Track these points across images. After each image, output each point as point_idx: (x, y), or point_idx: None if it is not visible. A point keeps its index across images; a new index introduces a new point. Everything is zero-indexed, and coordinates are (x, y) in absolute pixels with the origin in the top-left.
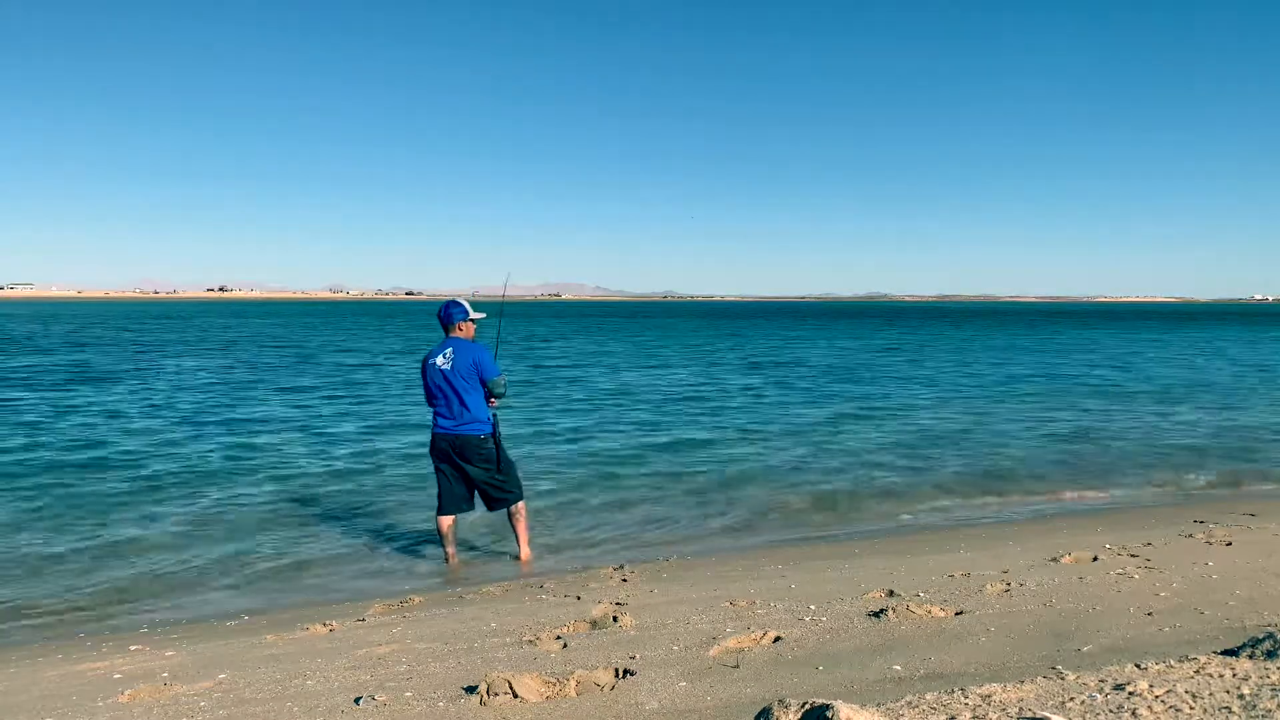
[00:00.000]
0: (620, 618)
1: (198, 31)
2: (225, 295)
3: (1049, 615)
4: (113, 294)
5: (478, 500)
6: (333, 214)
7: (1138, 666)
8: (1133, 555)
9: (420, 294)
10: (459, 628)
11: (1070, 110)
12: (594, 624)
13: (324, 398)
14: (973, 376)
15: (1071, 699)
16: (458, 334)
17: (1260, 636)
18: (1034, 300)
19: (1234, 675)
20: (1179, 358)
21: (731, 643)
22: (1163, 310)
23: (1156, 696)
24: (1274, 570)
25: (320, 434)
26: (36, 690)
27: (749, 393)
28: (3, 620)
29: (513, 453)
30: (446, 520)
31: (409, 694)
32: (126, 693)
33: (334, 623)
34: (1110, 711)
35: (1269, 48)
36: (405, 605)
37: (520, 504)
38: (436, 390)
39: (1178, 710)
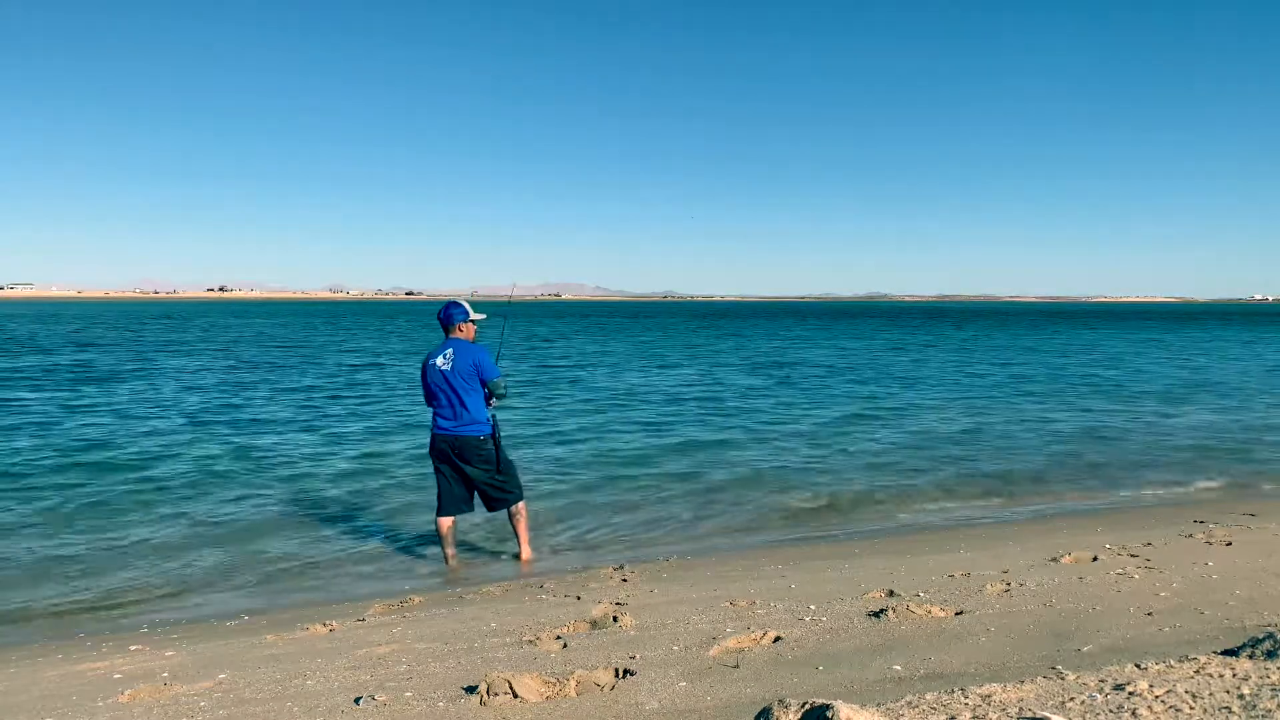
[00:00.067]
0: (620, 618)
1: (198, 31)
2: (225, 295)
3: (1049, 615)
4: (113, 294)
5: (478, 501)
6: (333, 214)
7: (1138, 666)
8: (1133, 555)
9: (420, 294)
10: (459, 628)
11: (1070, 110)
12: (594, 624)
13: (328, 398)
14: (975, 376)
15: (1071, 699)
16: (458, 335)
17: (1260, 636)
18: (1034, 300)
19: (1234, 675)
20: (1180, 357)
21: (731, 643)
22: (1163, 310)
23: (1156, 696)
24: (1274, 570)
25: (323, 434)
26: (36, 690)
27: (752, 393)
28: (3, 620)
29: (516, 453)
30: (446, 521)
31: (409, 694)
32: (126, 693)
33: (334, 623)
34: (1110, 711)
35: (1269, 48)
36: (405, 605)
37: (520, 504)
38: (436, 391)
39: (1178, 710)
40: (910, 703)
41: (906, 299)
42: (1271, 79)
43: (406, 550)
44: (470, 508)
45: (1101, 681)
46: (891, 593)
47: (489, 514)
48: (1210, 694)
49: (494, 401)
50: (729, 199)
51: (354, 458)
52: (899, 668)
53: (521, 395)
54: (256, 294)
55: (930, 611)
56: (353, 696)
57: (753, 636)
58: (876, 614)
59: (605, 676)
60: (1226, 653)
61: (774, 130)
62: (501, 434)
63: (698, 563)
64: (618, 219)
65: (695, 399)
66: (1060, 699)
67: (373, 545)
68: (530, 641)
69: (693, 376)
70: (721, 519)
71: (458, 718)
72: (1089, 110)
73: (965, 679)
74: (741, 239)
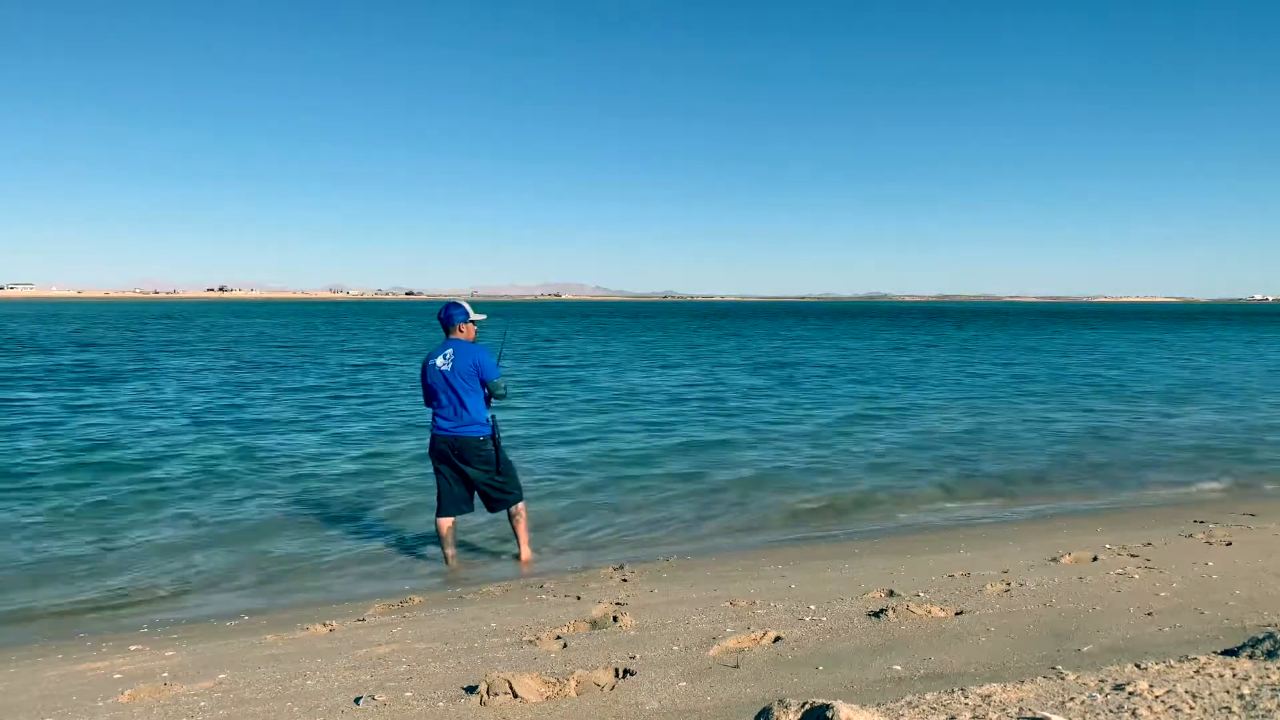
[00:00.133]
0: (620, 618)
1: (198, 31)
2: (225, 295)
3: (1049, 615)
4: (113, 294)
5: (478, 502)
6: (333, 214)
7: (1138, 666)
8: (1133, 555)
9: (420, 294)
10: (459, 628)
11: (1070, 110)
12: (594, 624)
13: (330, 398)
14: (977, 376)
15: (1071, 699)
16: (458, 335)
17: (1260, 636)
18: (1034, 300)
19: (1234, 675)
20: (1182, 358)
21: (731, 643)
22: (1163, 310)
23: (1156, 696)
24: (1274, 570)
25: (326, 434)
26: (36, 690)
27: (754, 393)
28: (4, 621)
29: (519, 453)
30: (446, 522)
31: (409, 694)
32: (126, 693)
33: (334, 623)
34: (1110, 711)
35: (1269, 48)
36: (405, 605)
37: (520, 505)
38: (436, 391)
39: (1178, 710)
40: (910, 703)
41: (906, 299)
42: (1271, 79)
43: (407, 550)
44: (470, 508)
45: (1101, 681)
46: (891, 593)
47: (489, 515)
48: (1210, 694)
49: (494, 402)
50: (729, 199)
51: (356, 458)
52: (899, 668)
53: (524, 395)
54: (256, 294)
55: (930, 611)
56: (353, 696)
57: (753, 636)
58: (876, 614)
59: (605, 676)
60: (1226, 653)
61: (774, 130)
62: (501, 435)
63: (698, 563)
64: (618, 219)
65: (698, 399)
66: (1060, 699)
67: (373, 545)
68: (530, 641)
69: (695, 376)
70: (724, 519)
71: (458, 718)
72: (1089, 110)
73: (965, 679)
74: (741, 239)
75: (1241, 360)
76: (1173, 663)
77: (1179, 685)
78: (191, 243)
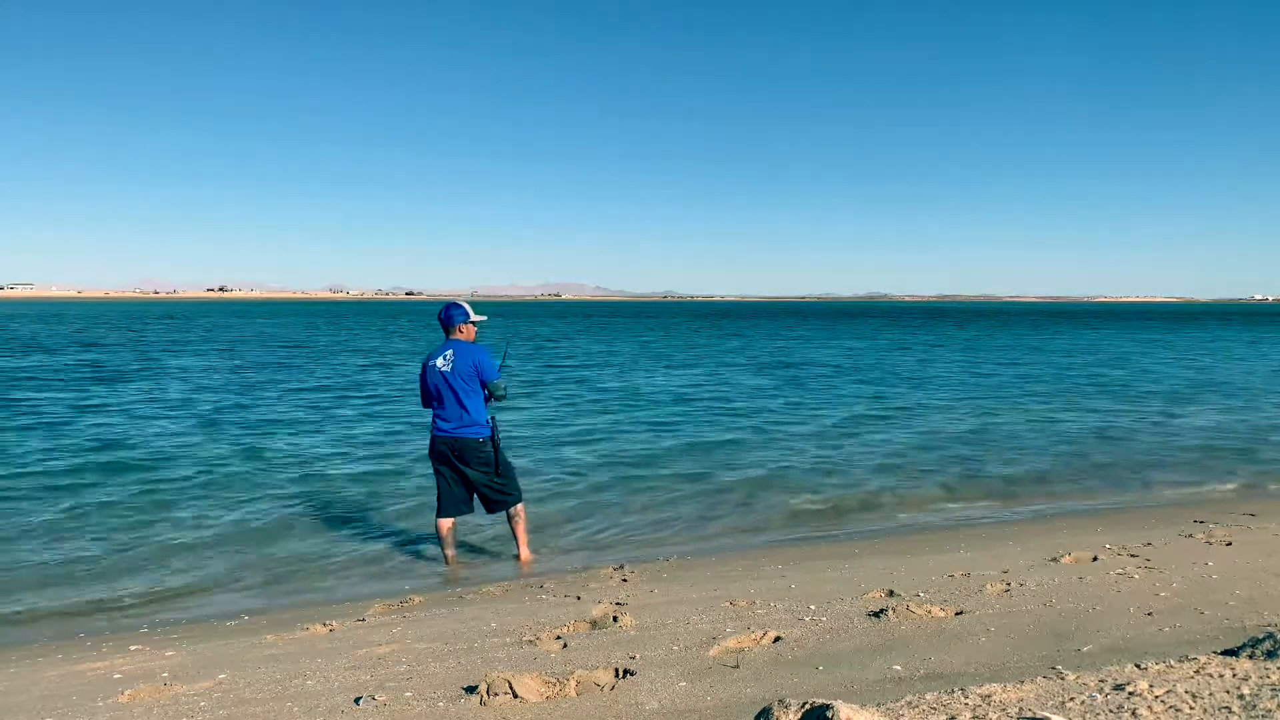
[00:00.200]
0: (620, 618)
1: (198, 31)
2: (225, 295)
3: (1049, 615)
4: (113, 294)
5: (477, 502)
6: (333, 214)
7: (1138, 666)
8: (1133, 555)
9: (420, 294)
10: (459, 628)
11: (1070, 110)
12: (594, 624)
13: (336, 398)
14: (981, 376)
15: (1071, 699)
16: (458, 336)
17: (1260, 636)
18: (1034, 300)
19: (1234, 675)
20: (1186, 358)
21: (731, 643)
22: (1163, 310)
23: (1156, 696)
24: (1274, 570)
25: (331, 435)
26: (36, 690)
27: (760, 393)
28: (4, 621)
29: (524, 454)
30: (446, 523)
31: (409, 694)
32: (126, 693)
33: (334, 623)
34: (1110, 711)
35: (1269, 48)
36: (405, 605)
37: (519, 506)
38: (436, 392)
39: (1178, 710)
40: (910, 703)
41: (907, 299)
42: (1271, 79)
43: (407, 550)
44: (470, 509)
45: (1101, 681)
46: (891, 593)
47: (490, 515)
48: (1210, 694)
49: (494, 403)
50: (729, 199)
51: (361, 459)
52: (899, 668)
53: (529, 395)
54: (257, 294)
55: (930, 611)
56: (353, 696)
57: (753, 636)
58: (876, 614)
59: (605, 676)
60: (1226, 653)
61: (774, 130)
62: (501, 436)
63: (698, 563)
64: (618, 219)
65: (703, 399)
66: (1060, 699)
67: (373, 546)
68: (530, 641)
69: (700, 377)
70: (729, 519)
71: (458, 718)
72: (1089, 110)
73: (965, 679)
74: (741, 239)
75: (1245, 360)
76: (1173, 663)
77: (1179, 685)
78: (191, 243)
